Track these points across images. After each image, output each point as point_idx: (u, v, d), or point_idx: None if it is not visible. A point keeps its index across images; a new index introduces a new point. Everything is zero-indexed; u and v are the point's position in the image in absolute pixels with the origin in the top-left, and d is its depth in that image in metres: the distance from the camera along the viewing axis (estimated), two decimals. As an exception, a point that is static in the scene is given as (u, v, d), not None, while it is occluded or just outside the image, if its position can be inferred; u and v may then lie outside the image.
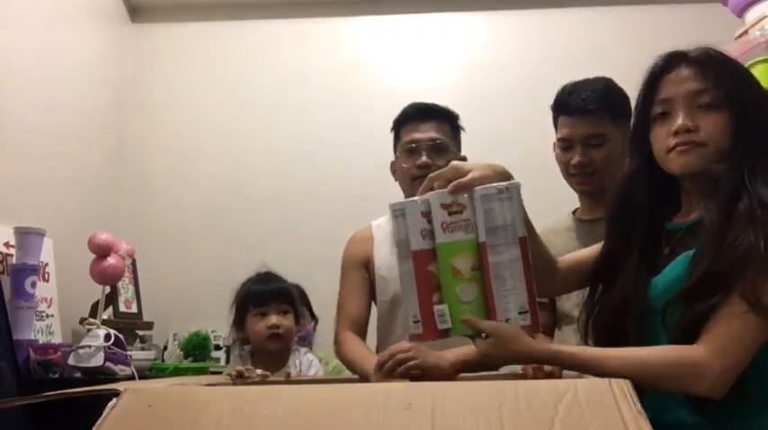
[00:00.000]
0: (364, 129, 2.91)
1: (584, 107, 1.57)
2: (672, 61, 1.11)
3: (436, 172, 1.08)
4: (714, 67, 1.08)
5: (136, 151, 3.02)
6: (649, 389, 0.96)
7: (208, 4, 3.12)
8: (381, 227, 1.76)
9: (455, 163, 1.07)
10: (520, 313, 1.00)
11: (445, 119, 1.74)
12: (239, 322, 1.79)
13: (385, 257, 1.69)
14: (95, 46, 2.86)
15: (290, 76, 3.04)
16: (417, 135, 1.68)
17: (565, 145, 1.62)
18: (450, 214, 1.02)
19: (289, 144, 2.98)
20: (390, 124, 1.80)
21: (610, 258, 1.16)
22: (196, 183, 2.98)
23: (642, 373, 0.94)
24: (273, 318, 1.73)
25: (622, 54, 2.93)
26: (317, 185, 2.91)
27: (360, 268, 1.72)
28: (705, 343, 0.95)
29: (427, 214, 1.04)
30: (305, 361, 1.80)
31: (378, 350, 1.66)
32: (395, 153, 1.75)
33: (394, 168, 1.77)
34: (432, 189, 1.05)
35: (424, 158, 1.64)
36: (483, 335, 1.01)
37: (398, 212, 1.07)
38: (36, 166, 2.37)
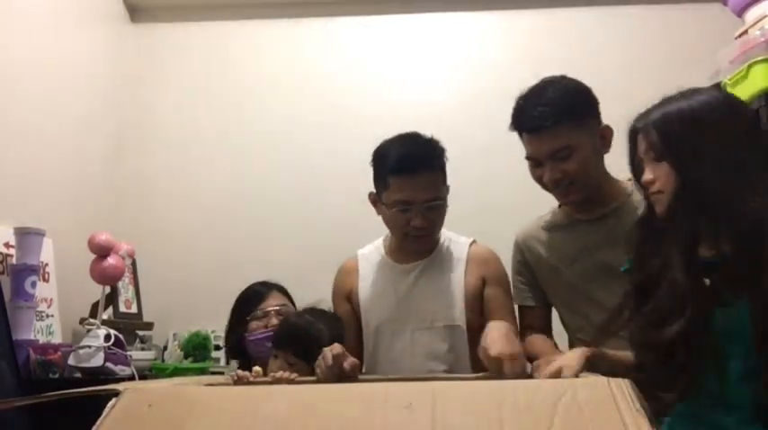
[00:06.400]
0: (365, 129, 2.89)
1: (540, 125, 1.51)
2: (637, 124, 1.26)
3: None
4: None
5: (136, 151, 3.01)
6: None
7: (208, 5, 3.12)
8: (365, 257, 1.83)
9: None
10: None
11: None
12: None
13: (368, 289, 1.76)
14: (95, 46, 2.85)
15: (291, 77, 3.03)
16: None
17: (533, 163, 1.59)
18: None
19: (289, 144, 2.97)
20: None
21: (646, 281, 1.20)
22: (196, 183, 2.97)
23: None
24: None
25: (623, 54, 2.93)
26: (317, 186, 2.90)
27: (344, 300, 1.80)
28: None
29: None
30: None
31: None
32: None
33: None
34: None
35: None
36: None
37: None
38: (36, 167, 2.37)
